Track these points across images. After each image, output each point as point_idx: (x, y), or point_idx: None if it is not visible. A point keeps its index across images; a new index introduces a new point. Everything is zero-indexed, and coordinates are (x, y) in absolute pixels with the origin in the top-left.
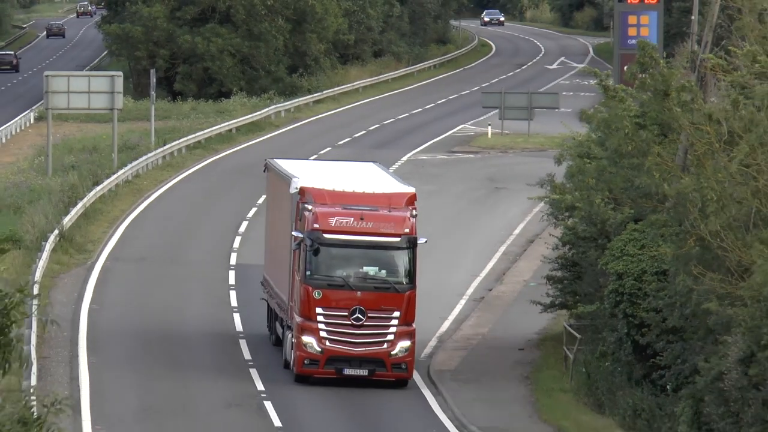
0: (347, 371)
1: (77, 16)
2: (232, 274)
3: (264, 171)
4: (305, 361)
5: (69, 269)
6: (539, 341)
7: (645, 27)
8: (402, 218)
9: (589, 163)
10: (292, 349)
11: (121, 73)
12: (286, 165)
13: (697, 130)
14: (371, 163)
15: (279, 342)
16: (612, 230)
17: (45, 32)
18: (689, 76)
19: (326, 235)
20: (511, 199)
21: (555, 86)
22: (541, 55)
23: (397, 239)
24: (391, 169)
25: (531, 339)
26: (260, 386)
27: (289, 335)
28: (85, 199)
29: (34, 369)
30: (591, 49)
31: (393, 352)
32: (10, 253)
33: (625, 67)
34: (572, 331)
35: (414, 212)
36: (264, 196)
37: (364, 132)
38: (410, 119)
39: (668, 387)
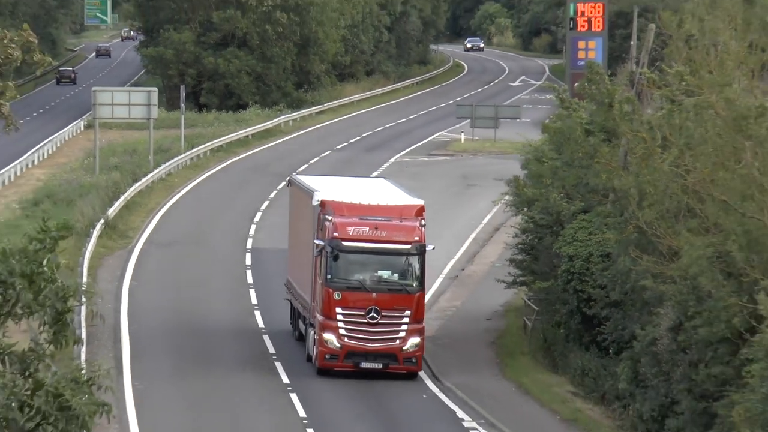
0: (364, 365)
1: (122, 40)
2: (248, 256)
3: (287, 185)
4: (326, 356)
5: (113, 252)
6: (503, 312)
7: (592, 50)
8: (412, 228)
9: (546, 163)
10: (314, 344)
11: (156, 89)
12: (307, 180)
13: (636, 135)
14: (383, 179)
15: (301, 338)
16: (565, 220)
17: (94, 53)
18: (629, 91)
19: (345, 243)
20: (481, 194)
21: (517, 100)
22: (505, 74)
23: (408, 246)
24: (380, 170)
25: (497, 311)
26: (285, 379)
27: (312, 332)
28: (126, 194)
29: (83, 335)
30: (547, 69)
31: (404, 348)
32: (59, 230)
33: (576, 84)
34: (530, 304)
35: (423, 222)
36: (276, 191)
37: (358, 138)
38: (396, 127)
39: (611, 350)
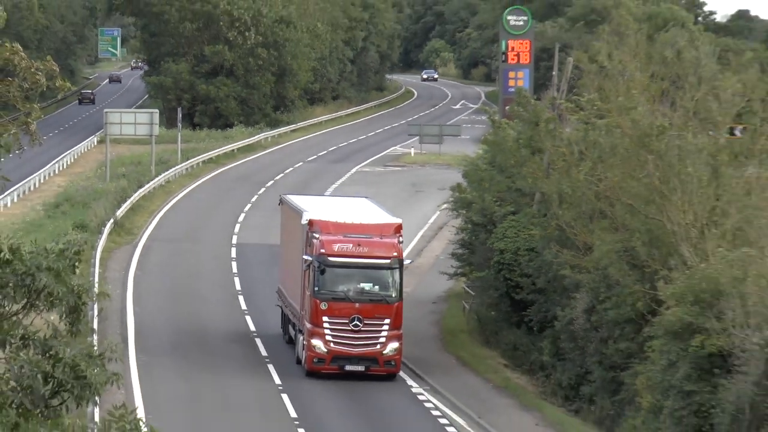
0: (348, 367)
1: (131, 69)
2: (233, 250)
3: (279, 204)
4: (314, 360)
5: (120, 246)
6: (446, 297)
7: (521, 79)
8: (391, 244)
9: (483, 171)
10: (303, 349)
11: (157, 111)
12: (296, 200)
13: (557, 150)
14: (365, 198)
15: (291, 341)
16: (497, 220)
17: (108, 79)
18: (551, 113)
19: (331, 258)
20: (427, 199)
21: (458, 120)
22: (448, 99)
23: (388, 261)
24: (344, 178)
25: (440, 296)
26: (263, 351)
27: (301, 338)
28: (132, 198)
29: (95, 313)
30: (483, 95)
31: (384, 352)
32: (77, 233)
33: (507, 107)
34: (468, 290)
35: (400, 239)
36: (257, 196)
37: (325, 152)
38: (357, 143)
39: (535, 329)
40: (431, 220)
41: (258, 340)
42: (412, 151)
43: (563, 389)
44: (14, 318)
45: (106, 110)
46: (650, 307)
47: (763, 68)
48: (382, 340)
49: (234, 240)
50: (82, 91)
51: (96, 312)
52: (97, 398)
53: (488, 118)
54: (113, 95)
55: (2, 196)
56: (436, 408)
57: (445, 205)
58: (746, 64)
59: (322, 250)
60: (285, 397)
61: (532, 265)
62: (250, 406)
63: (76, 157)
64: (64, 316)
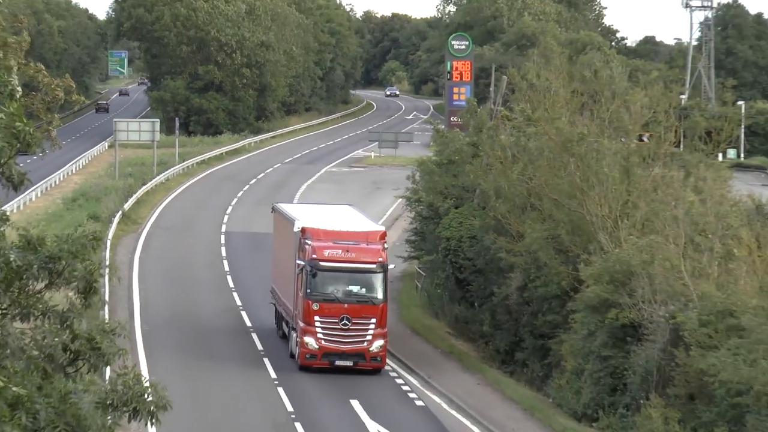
0: (338, 362)
1: (138, 84)
2: (222, 237)
3: (271, 212)
4: (307, 356)
5: (127, 234)
6: (402, 277)
7: (463, 94)
8: (377, 250)
9: (436, 168)
10: (296, 345)
11: (158, 120)
12: (287, 208)
13: (495, 152)
14: (348, 206)
15: (284, 337)
16: (442, 213)
17: (118, 93)
18: (489, 122)
19: (322, 263)
20: (385, 194)
21: (410, 128)
22: (402, 110)
23: (374, 266)
24: (315, 176)
25: (397, 276)
26: (248, 323)
27: (294, 335)
28: (137, 193)
29: (106, 291)
30: (432, 107)
31: (371, 348)
32: (92, 224)
33: (452, 117)
34: (420, 271)
35: (385, 245)
36: (242, 192)
37: (299, 155)
38: (326, 147)
39: (476, 304)
40: (389, 212)
41: (244, 313)
42: (373, 154)
43: (500, 354)
44: (37, 295)
45: (115, 120)
46: (573, 286)
47: (666, 85)
48: (369, 337)
49: (223, 228)
50: (99, 102)
51: (107, 288)
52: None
53: (433, 128)
54: (122, 106)
55: (28, 192)
56: (393, 370)
57: (401, 196)
58: (652, 81)
59: (314, 256)
60: (266, 360)
61: (473, 250)
62: (235, 368)
63: (90, 159)
64: (79, 291)
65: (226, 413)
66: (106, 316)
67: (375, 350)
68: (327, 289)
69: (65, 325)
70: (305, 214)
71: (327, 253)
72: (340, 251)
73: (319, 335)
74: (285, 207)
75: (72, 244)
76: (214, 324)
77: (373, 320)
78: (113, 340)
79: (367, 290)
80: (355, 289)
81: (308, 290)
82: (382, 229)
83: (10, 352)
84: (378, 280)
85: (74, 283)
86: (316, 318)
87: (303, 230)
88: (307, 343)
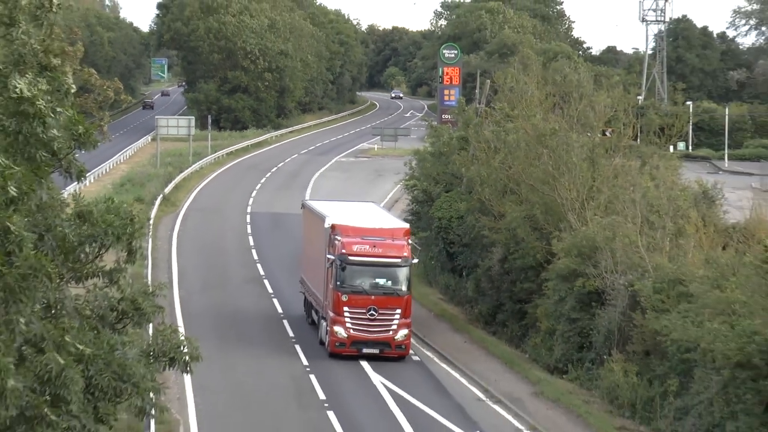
0: (365, 350)
1: (177, 86)
2: (248, 217)
3: (301, 208)
4: (336, 344)
5: (167, 214)
6: None
7: (452, 95)
8: (401, 246)
9: (430, 157)
10: (326, 334)
11: (193, 117)
12: (316, 205)
13: (479, 144)
14: (371, 203)
15: (313, 323)
16: (435, 196)
17: (160, 94)
18: (475, 119)
19: (351, 258)
20: (386, 180)
21: (407, 125)
22: (400, 110)
23: (399, 260)
24: (326, 166)
25: None
26: (269, 289)
27: (324, 324)
28: (176, 179)
29: (149, 263)
30: (426, 107)
31: (396, 337)
32: (137, 205)
33: (443, 115)
34: (416, 246)
35: (409, 241)
36: (264, 178)
37: (313, 147)
38: (336, 141)
39: (464, 273)
40: (389, 196)
41: (266, 281)
42: (375, 146)
43: (484, 317)
44: (89, 262)
45: (156, 117)
46: (546, 258)
47: (625, 88)
48: (394, 327)
49: (248, 210)
50: (145, 100)
51: (150, 258)
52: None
53: (428, 124)
54: (163, 105)
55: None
56: None
57: (401, 181)
58: (613, 85)
59: (343, 251)
60: (285, 323)
61: (461, 228)
62: (258, 326)
63: (135, 150)
64: (123, 252)
65: (250, 368)
66: (149, 281)
67: (400, 339)
68: (355, 281)
69: (113, 282)
70: (334, 211)
71: (356, 248)
72: (368, 246)
73: (348, 325)
74: (314, 204)
75: (115, 212)
76: (240, 290)
77: (398, 311)
78: (153, 300)
79: (392, 283)
80: (381, 281)
81: (338, 283)
82: (406, 226)
83: (67, 313)
84: (402, 273)
85: (119, 245)
86: (345, 308)
87: (333, 227)
88: (336, 332)
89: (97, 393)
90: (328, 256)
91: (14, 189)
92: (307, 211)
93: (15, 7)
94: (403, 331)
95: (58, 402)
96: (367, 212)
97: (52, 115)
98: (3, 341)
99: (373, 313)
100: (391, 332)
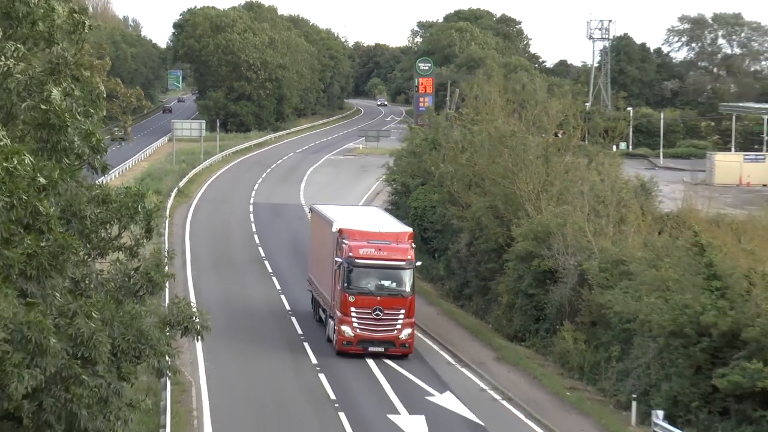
0: (371, 348)
1: (191, 94)
2: (251, 206)
3: (309, 212)
4: (343, 342)
5: (181, 204)
6: None
7: (427, 102)
8: (405, 249)
9: (406, 155)
10: (334, 332)
11: (204, 121)
12: (324, 209)
13: (449, 145)
14: (375, 208)
15: (320, 321)
16: (411, 189)
17: (176, 100)
18: (445, 122)
19: (357, 260)
20: (370, 175)
21: (388, 127)
22: (382, 114)
23: (403, 263)
24: (319, 162)
25: None
26: (269, 268)
27: (331, 323)
28: (189, 174)
29: (166, 246)
30: (404, 112)
31: (400, 336)
32: (156, 196)
33: (418, 119)
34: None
35: (412, 244)
36: (265, 173)
37: (307, 146)
38: (327, 141)
39: (436, 255)
40: (372, 188)
41: (266, 262)
42: (361, 146)
43: (453, 292)
44: (111, 240)
45: (172, 120)
46: (507, 242)
47: (574, 96)
48: (399, 326)
49: (251, 200)
50: (165, 106)
51: (167, 241)
52: (165, 291)
53: (407, 126)
54: (178, 110)
55: (109, 173)
56: None
57: (382, 176)
58: (564, 93)
59: (350, 254)
60: (284, 299)
61: (433, 216)
62: (259, 300)
63: (154, 149)
64: (142, 229)
65: (253, 335)
66: (165, 259)
67: (404, 338)
68: (362, 283)
69: (134, 256)
70: (341, 216)
71: (362, 251)
72: (374, 250)
73: (355, 324)
74: (322, 208)
75: (131, 197)
76: (244, 269)
77: (403, 311)
78: (163, 271)
79: (397, 284)
80: (386, 283)
81: (345, 284)
82: (409, 229)
83: (92, 285)
84: (407, 275)
85: (135, 223)
86: (352, 309)
87: (340, 231)
88: (344, 332)
89: (119, 354)
90: (336, 259)
91: (43, 179)
92: (315, 215)
93: (53, 26)
94: (407, 331)
95: (87, 364)
96: (372, 216)
97: (75, 120)
98: (41, 311)
99: (379, 313)
100: (395, 331)
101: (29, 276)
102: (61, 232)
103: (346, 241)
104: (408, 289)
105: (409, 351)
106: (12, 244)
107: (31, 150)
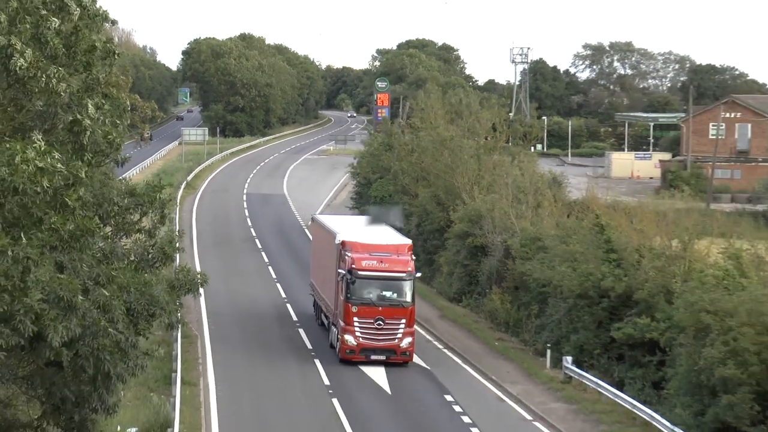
0: (373, 357)
1: (198, 107)
2: (245, 196)
3: (311, 221)
4: (347, 351)
5: (189, 195)
6: None
7: (383, 113)
8: (406, 261)
9: (367, 155)
10: (337, 341)
11: (207, 128)
12: (326, 220)
13: (400, 147)
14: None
15: (323, 325)
16: (372, 181)
17: (186, 111)
18: (398, 129)
19: (360, 272)
20: (339, 171)
21: (353, 133)
22: (348, 122)
23: (404, 274)
24: (298, 161)
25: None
26: (259, 245)
27: (335, 330)
28: (195, 171)
29: (177, 227)
30: (366, 121)
31: (401, 345)
32: (169, 188)
33: (377, 126)
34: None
35: (412, 256)
36: (256, 169)
37: (289, 149)
38: (304, 144)
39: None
40: (341, 181)
41: (257, 240)
42: (331, 148)
43: None
44: (134, 223)
45: (182, 128)
46: (447, 224)
47: (499, 108)
48: (399, 335)
49: (245, 191)
50: (178, 115)
51: (178, 223)
52: (176, 261)
53: (368, 132)
54: (188, 119)
55: (131, 169)
56: None
57: (348, 172)
58: (492, 105)
59: (353, 266)
60: (278, 285)
61: (390, 204)
62: (250, 275)
63: (168, 150)
64: (156, 216)
65: (247, 296)
66: (176, 238)
67: (404, 346)
68: (364, 294)
69: (151, 237)
70: (343, 227)
71: (364, 263)
72: (375, 262)
73: (357, 333)
74: (323, 219)
75: (152, 189)
76: (240, 246)
77: (403, 321)
78: (175, 245)
79: (398, 295)
80: (387, 294)
81: (348, 295)
82: (409, 242)
83: (116, 258)
84: (407, 286)
85: (154, 211)
86: (355, 319)
87: (343, 243)
88: (347, 341)
89: (135, 314)
90: (339, 270)
91: (71, 174)
92: (316, 225)
93: (94, 57)
94: (408, 339)
95: (110, 322)
96: (373, 228)
97: (96, 124)
98: (69, 278)
99: (381, 323)
100: (396, 340)
101: (60, 249)
102: (82, 216)
103: (349, 253)
104: (408, 299)
105: (410, 359)
106: (43, 223)
107: (63, 149)
